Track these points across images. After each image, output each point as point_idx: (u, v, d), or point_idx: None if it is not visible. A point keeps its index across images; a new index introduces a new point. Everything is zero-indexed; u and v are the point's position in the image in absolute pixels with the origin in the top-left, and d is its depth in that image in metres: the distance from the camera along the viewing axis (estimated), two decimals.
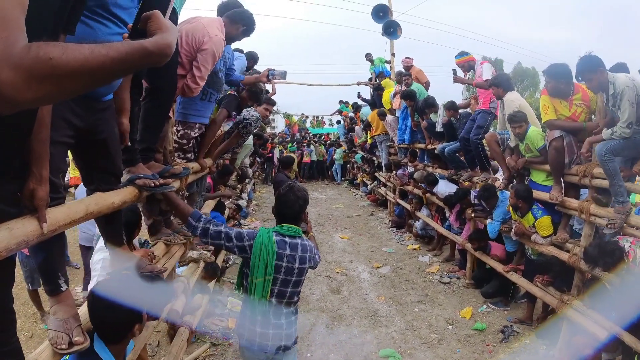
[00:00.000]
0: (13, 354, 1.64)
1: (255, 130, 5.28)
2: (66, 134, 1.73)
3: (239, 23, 3.66)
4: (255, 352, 2.64)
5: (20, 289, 5.42)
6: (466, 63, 6.52)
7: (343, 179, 19.04)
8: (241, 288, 2.74)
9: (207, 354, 4.27)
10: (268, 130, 19.93)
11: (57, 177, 1.65)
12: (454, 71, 6.70)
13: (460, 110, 6.98)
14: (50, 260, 1.74)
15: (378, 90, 11.12)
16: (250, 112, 4.92)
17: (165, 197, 2.74)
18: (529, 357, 4.34)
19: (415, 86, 8.66)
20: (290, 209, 2.69)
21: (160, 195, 2.67)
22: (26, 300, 5.17)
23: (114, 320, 1.84)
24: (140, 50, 0.89)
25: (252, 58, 6.26)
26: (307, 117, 25.82)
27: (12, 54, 0.72)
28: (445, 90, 7.74)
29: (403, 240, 8.96)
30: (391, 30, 11.82)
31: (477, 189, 6.05)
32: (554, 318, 4.37)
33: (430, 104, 7.64)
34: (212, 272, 4.87)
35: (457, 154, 6.93)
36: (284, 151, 18.68)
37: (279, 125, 34.03)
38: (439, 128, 7.32)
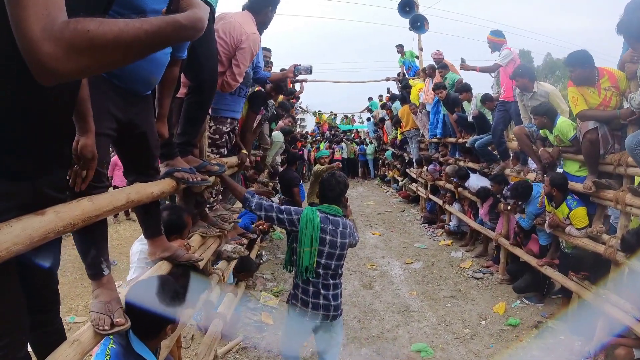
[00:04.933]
0: (56, 333, 1.75)
1: (270, 113, 5.45)
2: (109, 127, 1.84)
3: (264, 8, 3.74)
4: (306, 322, 2.97)
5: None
6: (495, 43, 6.36)
7: (376, 172, 19.12)
8: (289, 265, 3.12)
9: (240, 346, 4.37)
10: (297, 129, 20.06)
11: (101, 166, 1.75)
12: (462, 59, 6.69)
13: None
14: (93, 245, 1.80)
15: (406, 88, 11.03)
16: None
17: (221, 179, 3.16)
18: (564, 354, 4.25)
19: (451, 75, 8.54)
20: (332, 192, 3.07)
21: (198, 188, 2.82)
22: (64, 295, 5.41)
23: (149, 317, 1.87)
24: (173, 23, 0.94)
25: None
26: (336, 114, 25.79)
27: (53, 29, 0.78)
28: (474, 84, 7.60)
29: (435, 236, 8.89)
30: (418, 24, 11.67)
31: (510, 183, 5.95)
32: (589, 313, 4.25)
33: (465, 88, 7.50)
34: (247, 268, 4.99)
35: (489, 147, 6.82)
36: (312, 150, 18.81)
37: (308, 124, 34.09)
38: (470, 119, 7.23)
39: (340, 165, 10.11)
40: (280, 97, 5.86)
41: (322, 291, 2.95)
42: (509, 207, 5.79)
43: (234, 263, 4.38)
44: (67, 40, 0.79)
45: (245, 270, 5.07)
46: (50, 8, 0.80)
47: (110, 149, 2.21)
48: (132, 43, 0.87)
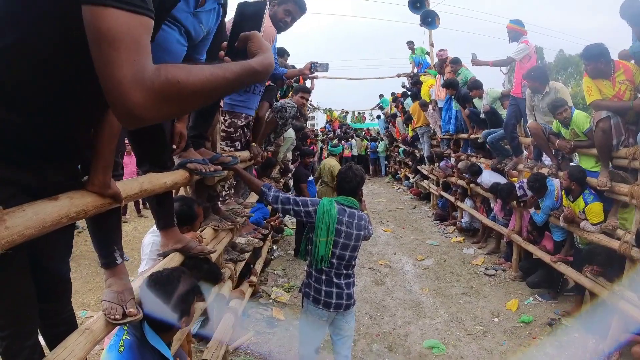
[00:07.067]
0: (67, 322, 1.75)
1: (290, 119, 5.35)
2: None
3: (271, 1, 3.64)
4: (320, 311, 3.01)
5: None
6: (515, 33, 6.26)
7: (387, 169, 19.11)
8: (305, 254, 3.16)
9: (251, 342, 4.36)
10: (308, 126, 20.04)
11: (116, 156, 1.76)
12: (473, 54, 6.64)
13: None
14: (106, 234, 1.81)
15: (417, 84, 10.97)
16: (286, 101, 5.01)
17: (237, 173, 3.19)
18: (578, 352, 4.19)
19: (463, 71, 8.45)
20: (349, 184, 3.13)
21: (211, 180, 2.82)
22: (76, 289, 5.46)
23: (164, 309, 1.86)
24: (249, 70, 0.96)
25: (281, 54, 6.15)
26: (347, 112, 25.71)
27: (143, 77, 0.77)
28: (486, 81, 7.54)
29: (447, 233, 8.84)
30: (429, 20, 11.61)
31: (523, 179, 5.88)
32: (603, 310, 4.19)
33: (475, 86, 7.43)
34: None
35: (501, 142, 6.75)
36: (323, 147, 18.79)
37: (319, 122, 34.02)
38: (482, 115, 7.16)
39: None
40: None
41: (334, 280, 3.01)
42: (522, 205, 5.73)
43: (247, 256, 4.38)
44: (158, 91, 0.78)
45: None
46: (141, 54, 0.79)
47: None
48: (214, 91, 0.89)
